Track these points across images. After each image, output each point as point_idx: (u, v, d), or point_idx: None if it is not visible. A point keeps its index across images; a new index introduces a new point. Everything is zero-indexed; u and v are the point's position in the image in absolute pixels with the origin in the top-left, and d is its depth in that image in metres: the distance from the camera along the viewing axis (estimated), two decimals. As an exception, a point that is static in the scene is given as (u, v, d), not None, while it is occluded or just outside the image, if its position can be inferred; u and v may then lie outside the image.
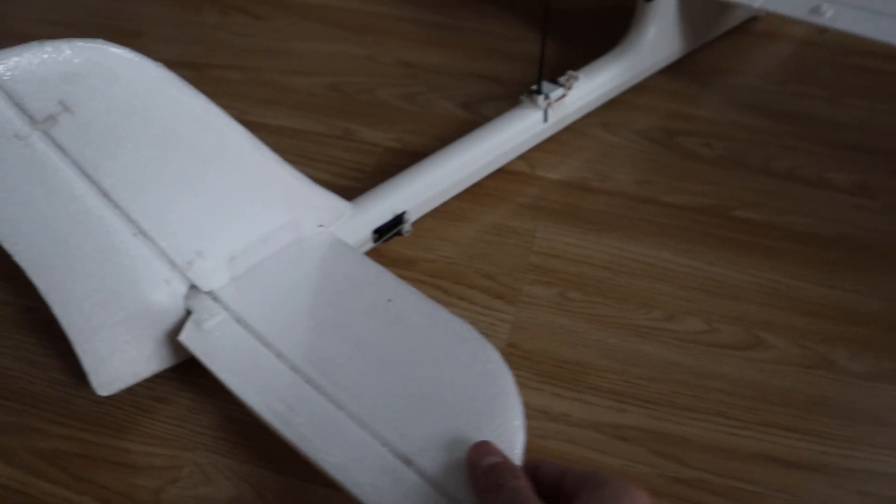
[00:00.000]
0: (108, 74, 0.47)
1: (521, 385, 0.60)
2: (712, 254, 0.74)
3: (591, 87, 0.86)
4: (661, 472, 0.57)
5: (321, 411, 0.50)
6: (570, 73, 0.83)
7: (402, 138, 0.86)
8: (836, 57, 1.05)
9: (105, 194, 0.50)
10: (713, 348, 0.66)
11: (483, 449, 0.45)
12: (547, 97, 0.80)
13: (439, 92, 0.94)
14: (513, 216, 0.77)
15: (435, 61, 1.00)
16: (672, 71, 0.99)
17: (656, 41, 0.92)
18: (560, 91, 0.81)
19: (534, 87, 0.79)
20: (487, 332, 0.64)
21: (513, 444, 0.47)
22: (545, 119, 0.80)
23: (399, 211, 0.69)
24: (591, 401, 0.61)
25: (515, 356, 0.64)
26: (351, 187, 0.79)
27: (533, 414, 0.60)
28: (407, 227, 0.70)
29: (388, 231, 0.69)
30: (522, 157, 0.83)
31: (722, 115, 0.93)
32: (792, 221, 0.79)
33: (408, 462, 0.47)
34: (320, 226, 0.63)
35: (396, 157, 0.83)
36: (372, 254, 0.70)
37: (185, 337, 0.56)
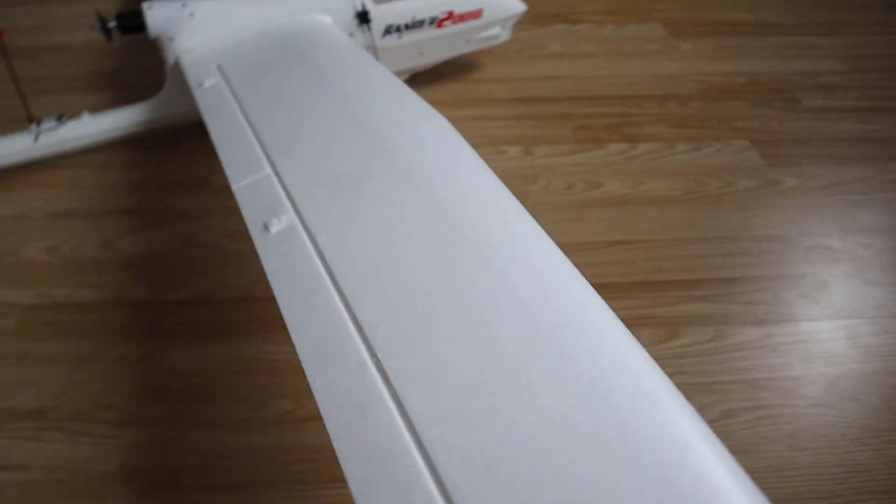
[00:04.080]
0: None
1: (128, 501, 0.71)
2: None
3: (93, 125, 1.15)
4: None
5: None
6: (85, 113, 1.14)
7: (43, 293, 0.95)
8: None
9: None
10: (299, 423, 0.79)
11: None
12: (39, 124, 1.11)
13: (80, 237, 1.04)
14: (137, 347, 0.88)
15: (78, 205, 1.09)
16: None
17: (171, 98, 1.15)
18: (53, 122, 1.11)
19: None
20: (103, 459, 0.75)
21: None
22: (35, 140, 1.11)
23: None
24: (192, 499, 0.73)
25: (126, 475, 0.74)
26: (-9, 354, 0.88)
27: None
28: None
29: None
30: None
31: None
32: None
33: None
34: None
35: (36, 312, 0.93)
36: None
37: None
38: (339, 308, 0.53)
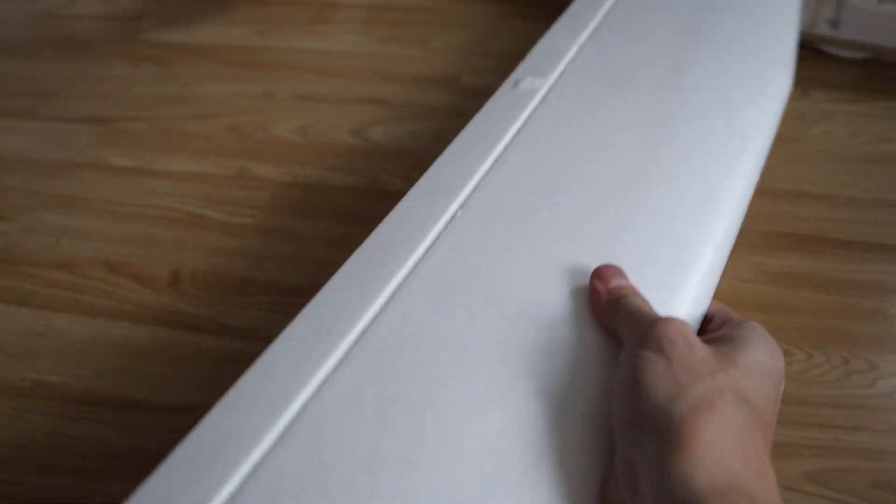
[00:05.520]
0: None
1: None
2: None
3: None
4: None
5: None
6: None
7: (292, 171, 0.93)
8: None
9: None
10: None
11: (613, 270, 0.41)
12: None
13: (329, 121, 1.01)
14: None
15: (327, 91, 1.06)
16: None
17: None
18: None
19: None
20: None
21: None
22: None
23: None
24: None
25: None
26: (245, 224, 0.86)
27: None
28: None
29: None
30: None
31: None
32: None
33: None
34: None
35: (288, 189, 0.90)
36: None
37: None
38: (345, 341, 0.39)
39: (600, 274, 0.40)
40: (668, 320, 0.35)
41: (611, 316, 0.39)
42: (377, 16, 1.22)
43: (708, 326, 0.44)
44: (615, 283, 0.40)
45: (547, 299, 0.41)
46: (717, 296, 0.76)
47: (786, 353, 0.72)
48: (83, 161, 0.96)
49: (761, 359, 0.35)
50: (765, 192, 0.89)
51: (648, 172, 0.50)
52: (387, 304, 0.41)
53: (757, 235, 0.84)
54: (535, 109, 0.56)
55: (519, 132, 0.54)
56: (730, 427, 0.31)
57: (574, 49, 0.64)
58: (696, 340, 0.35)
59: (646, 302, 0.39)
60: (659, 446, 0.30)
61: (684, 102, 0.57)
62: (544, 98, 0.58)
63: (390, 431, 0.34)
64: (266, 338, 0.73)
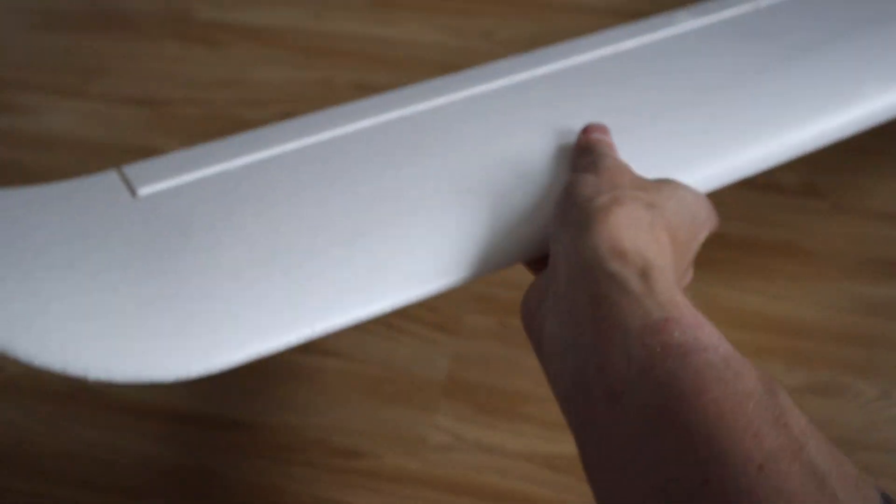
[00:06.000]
0: None
1: (458, 417, 0.63)
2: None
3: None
4: (590, 502, 0.59)
5: None
6: None
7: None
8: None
9: None
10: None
11: (597, 127, 0.46)
12: None
13: (390, 114, 0.95)
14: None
15: (387, 81, 1.01)
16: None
17: None
18: None
19: None
20: (428, 365, 0.67)
21: None
22: None
23: None
24: (524, 431, 0.63)
25: (453, 388, 0.66)
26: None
27: (467, 447, 0.62)
28: None
29: None
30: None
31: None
32: (733, 227, 0.80)
33: None
34: None
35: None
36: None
37: None
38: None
39: (587, 127, 0.45)
40: (610, 156, 0.41)
41: (576, 158, 0.44)
42: (439, 3, 1.16)
43: None
44: (595, 136, 0.44)
45: (556, 145, 0.47)
46: (808, 325, 0.71)
47: (885, 394, 0.66)
48: (131, 145, 0.92)
49: (685, 196, 0.39)
50: (857, 211, 0.83)
51: (717, 99, 0.52)
52: (457, 100, 0.53)
53: (850, 260, 0.77)
54: (668, 35, 0.57)
55: (641, 46, 0.56)
56: (636, 220, 0.35)
57: (748, 7, 0.61)
58: (631, 171, 0.40)
59: (614, 156, 0.42)
60: (575, 233, 0.35)
61: (809, 60, 0.55)
62: (686, 31, 0.58)
63: (384, 170, 0.45)
64: (320, 350, 0.69)
